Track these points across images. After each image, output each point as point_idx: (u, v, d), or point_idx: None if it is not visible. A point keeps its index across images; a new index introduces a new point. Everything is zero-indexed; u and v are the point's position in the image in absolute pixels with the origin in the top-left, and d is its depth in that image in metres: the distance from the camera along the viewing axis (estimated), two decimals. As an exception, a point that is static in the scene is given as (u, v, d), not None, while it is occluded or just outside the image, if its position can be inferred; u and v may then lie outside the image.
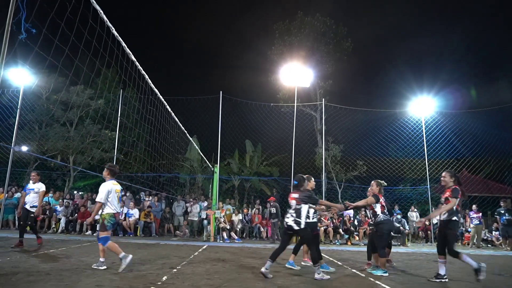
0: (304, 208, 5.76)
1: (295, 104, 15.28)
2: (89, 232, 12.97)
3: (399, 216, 14.12)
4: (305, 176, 6.25)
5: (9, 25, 3.75)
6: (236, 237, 12.97)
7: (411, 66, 25.48)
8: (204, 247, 10.11)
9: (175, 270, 5.95)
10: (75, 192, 18.37)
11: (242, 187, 19.40)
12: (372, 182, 6.73)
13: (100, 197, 5.70)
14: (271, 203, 13.38)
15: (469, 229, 13.83)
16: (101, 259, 5.74)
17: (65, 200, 14.09)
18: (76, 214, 13.50)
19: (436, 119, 16.10)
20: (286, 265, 6.67)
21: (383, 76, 27.36)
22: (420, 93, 16.52)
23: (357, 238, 13.29)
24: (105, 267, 5.68)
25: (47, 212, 13.37)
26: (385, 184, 6.89)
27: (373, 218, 6.47)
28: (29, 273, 5.13)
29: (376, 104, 18.53)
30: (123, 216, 13.15)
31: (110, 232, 5.82)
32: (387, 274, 6.03)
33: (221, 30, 38.19)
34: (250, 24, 36.20)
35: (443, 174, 6.00)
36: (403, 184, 18.02)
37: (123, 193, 15.87)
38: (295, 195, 5.86)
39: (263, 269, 5.53)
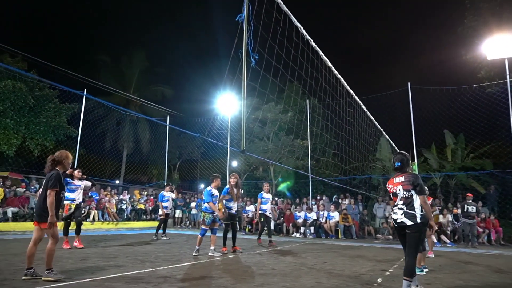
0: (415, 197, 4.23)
1: (508, 80, 12.49)
2: (295, 234, 14.15)
3: None
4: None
5: (245, 57, 4.43)
6: (448, 241, 11.55)
7: None
8: (412, 250, 9.40)
9: (387, 272, 5.77)
10: (276, 198, 20.51)
11: (445, 185, 17.19)
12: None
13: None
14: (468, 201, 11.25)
15: None
16: (211, 247, 7.44)
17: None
18: (282, 218, 15.00)
19: None
20: None
21: None
22: None
23: None
24: (217, 254, 7.33)
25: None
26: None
27: None
28: (260, 268, 6.00)
29: None
30: (324, 219, 13.74)
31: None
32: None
33: (402, 21, 35.45)
34: (432, 5, 32.28)
35: None
36: None
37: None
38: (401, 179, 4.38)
39: None
